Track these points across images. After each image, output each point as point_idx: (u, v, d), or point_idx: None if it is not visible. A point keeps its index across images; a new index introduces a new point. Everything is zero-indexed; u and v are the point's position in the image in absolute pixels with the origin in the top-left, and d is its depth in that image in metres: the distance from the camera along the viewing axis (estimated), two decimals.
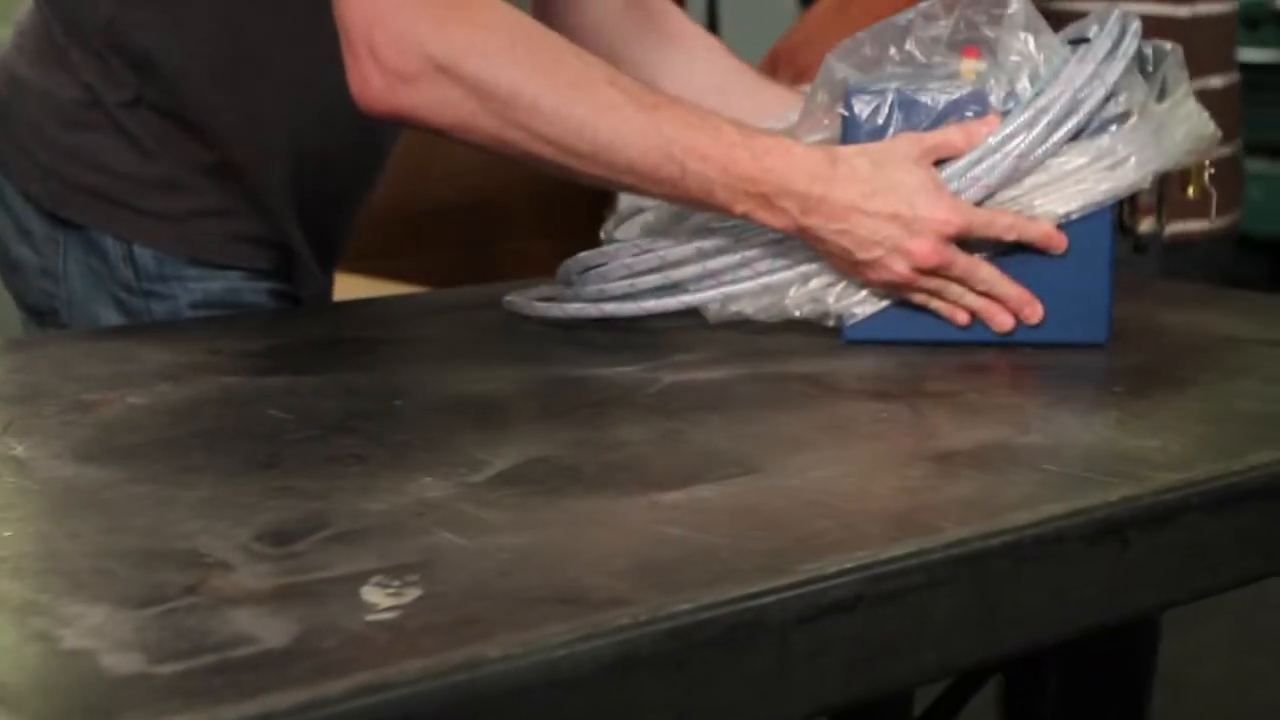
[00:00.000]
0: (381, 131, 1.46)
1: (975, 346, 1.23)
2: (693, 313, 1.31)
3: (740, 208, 1.19)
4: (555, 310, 1.30)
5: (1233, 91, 1.94)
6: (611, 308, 1.29)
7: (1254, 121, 6.42)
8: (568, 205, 2.21)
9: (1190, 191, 1.32)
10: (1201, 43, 1.85)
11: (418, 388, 1.14)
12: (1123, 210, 1.30)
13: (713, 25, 3.52)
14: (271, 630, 0.72)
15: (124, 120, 1.34)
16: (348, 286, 2.14)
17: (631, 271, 1.29)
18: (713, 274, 1.27)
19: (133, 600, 0.75)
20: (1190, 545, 0.93)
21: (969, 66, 1.28)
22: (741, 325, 1.32)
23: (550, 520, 0.87)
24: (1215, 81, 1.91)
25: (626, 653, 0.73)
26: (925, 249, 1.18)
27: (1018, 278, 1.24)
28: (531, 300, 1.33)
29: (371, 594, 0.76)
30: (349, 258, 2.05)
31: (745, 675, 0.76)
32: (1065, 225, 1.23)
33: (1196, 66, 1.84)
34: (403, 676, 0.68)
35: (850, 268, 1.21)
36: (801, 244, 1.22)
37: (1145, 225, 1.31)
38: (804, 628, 0.78)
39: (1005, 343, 1.24)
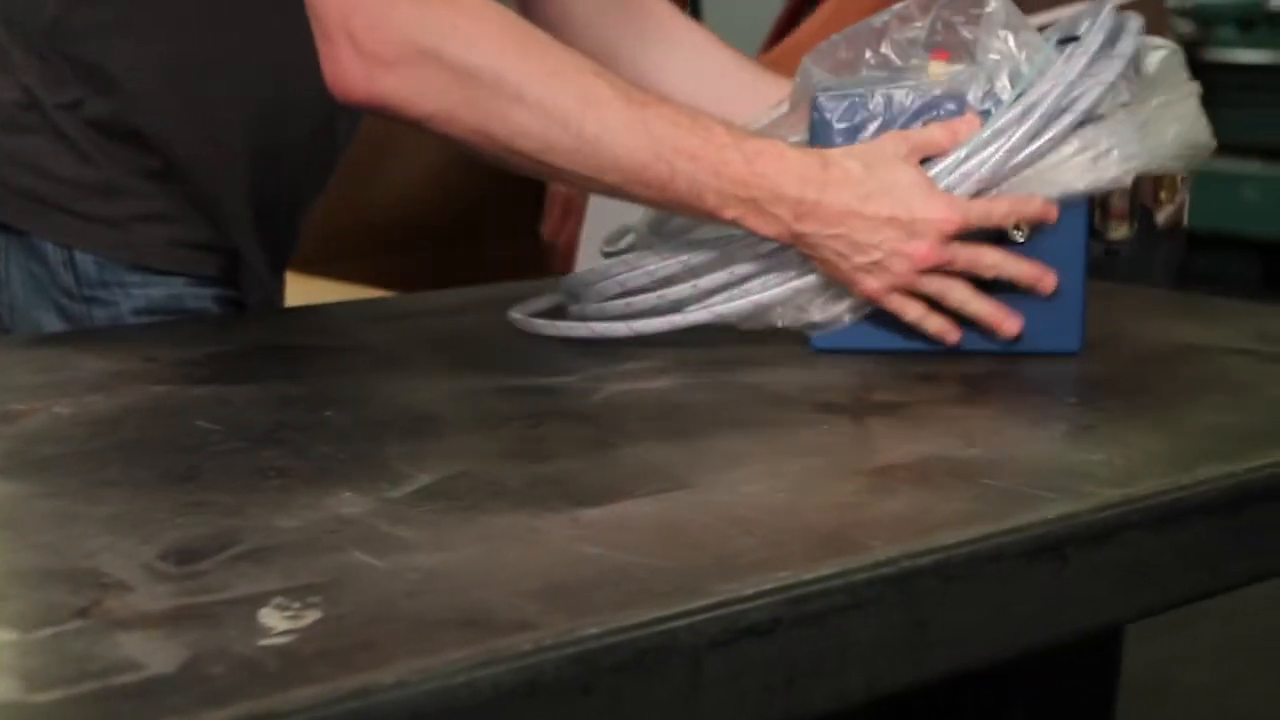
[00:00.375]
0: (335, 131, 1.43)
1: (938, 356, 1.21)
2: None
3: (730, 213, 1.16)
4: (549, 329, 1.27)
5: None
6: (601, 328, 1.25)
7: (1248, 123, 6.43)
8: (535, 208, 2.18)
9: (1162, 198, 1.29)
10: None
11: (352, 398, 1.11)
12: (1093, 215, 1.27)
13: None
14: (159, 656, 0.69)
15: (62, 123, 1.31)
16: (314, 290, 2.12)
17: (624, 289, 1.26)
18: (704, 293, 1.23)
19: (23, 623, 0.73)
20: (1132, 562, 0.90)
21: (938, 70, 1.25)
22: (696, 332, 1.29)
23: (466, 538, 0.84)
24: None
25: (529, 678, 0.70)
26: (924, 249, 1.15)
27: (987, 286, 1.21)
28: (530, 317, 1.29)
29: (269, 617, 0.73)
30: (315, 261, 2.03)
31: (655, 701, 0.73)
32: (1041, 232, 1.20)
33: None
34: (288, 705, 0.65)
35: (845, 275, 1.17)
36: (792, 257, 1.19)
37: (1118, 230, 1.28)
38: (718, 651, 0.75)
39: (974, 353, 1.21)
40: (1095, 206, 1.28)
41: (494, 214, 2.33)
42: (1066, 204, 1.21)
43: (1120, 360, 1.22)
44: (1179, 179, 1.29)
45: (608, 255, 1.33)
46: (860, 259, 1.15)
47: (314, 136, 1.41)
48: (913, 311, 1.18)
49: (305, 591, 0.76)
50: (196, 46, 1.33)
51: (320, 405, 1.08)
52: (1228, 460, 0.97)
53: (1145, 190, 1.28)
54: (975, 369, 1.19)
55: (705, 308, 1.23)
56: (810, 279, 1.19)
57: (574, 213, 2.07)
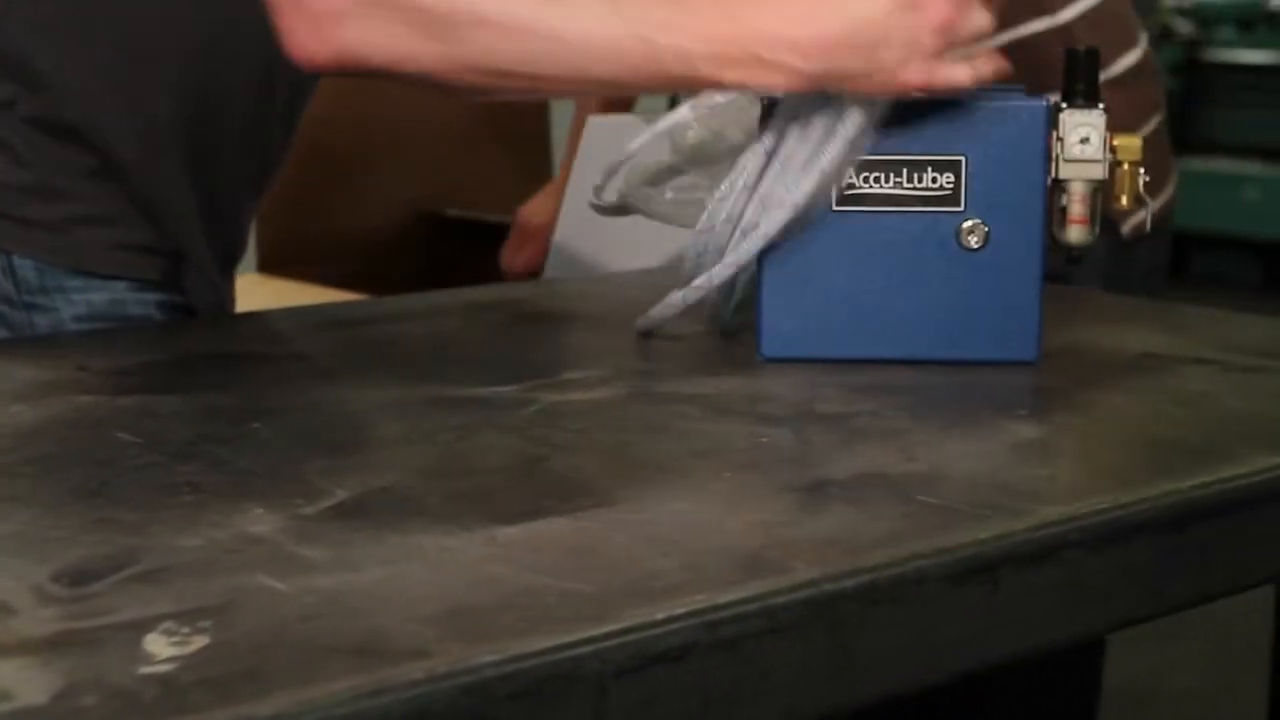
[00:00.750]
0: (270, 124, 1.41)
1: (890, 366, 1.18)
2: (594, 325, 1.25)
3: (732, 75, 1.08)
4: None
5: (1141, 70, 1.87)
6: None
7: (1248, 123, 6.38)
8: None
9: (1123, 200, 1.26)
10: (1100, 33, 1.79)
11: (282, 409, 1.08)
12: (1050, 221, 1.24)
13: None
14: (33, 685, 0.66)
15: None
16: (289, 293, 2.09)
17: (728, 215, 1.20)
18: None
19: None
20: (1070, 583, 0.87)
21: None
22: (644, 340, 1.26)
23: (373, 558, 0.81)
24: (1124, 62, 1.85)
25: (418, 709, 0.67)
26: (942, 8, 1.09)
27: (941, 292, 1.18)
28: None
29: (154, 643, 0.70)
30: (288, 264, 1.99)
31: None
32: (994, 239, 1.18)
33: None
34: None
35: (883, 85, 1.11)
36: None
37: (1076, 235, 1.25)
38: (626, 679, 0.72)
39: (929, 361, 1.18)
40: (1053, 213, 1.25)
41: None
42: (1020, 210, 1.19)
43: (1078, 370, 1.19)
44: (1139, 182, 1.25)
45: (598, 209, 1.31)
46: (888, 58, 1.09)
47: (251, 129, 1.38)
48: (964, 74, 1.12)
49: (196, 615, 0.73)
50: (130, 40, 1.30)
51: (248, 417, 1.05)
52: (1175, 476, 0.94)
53: (1106, 196, 1.25)
54: (926, 379, 1.16)
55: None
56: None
57: (532, 240, 2.04)
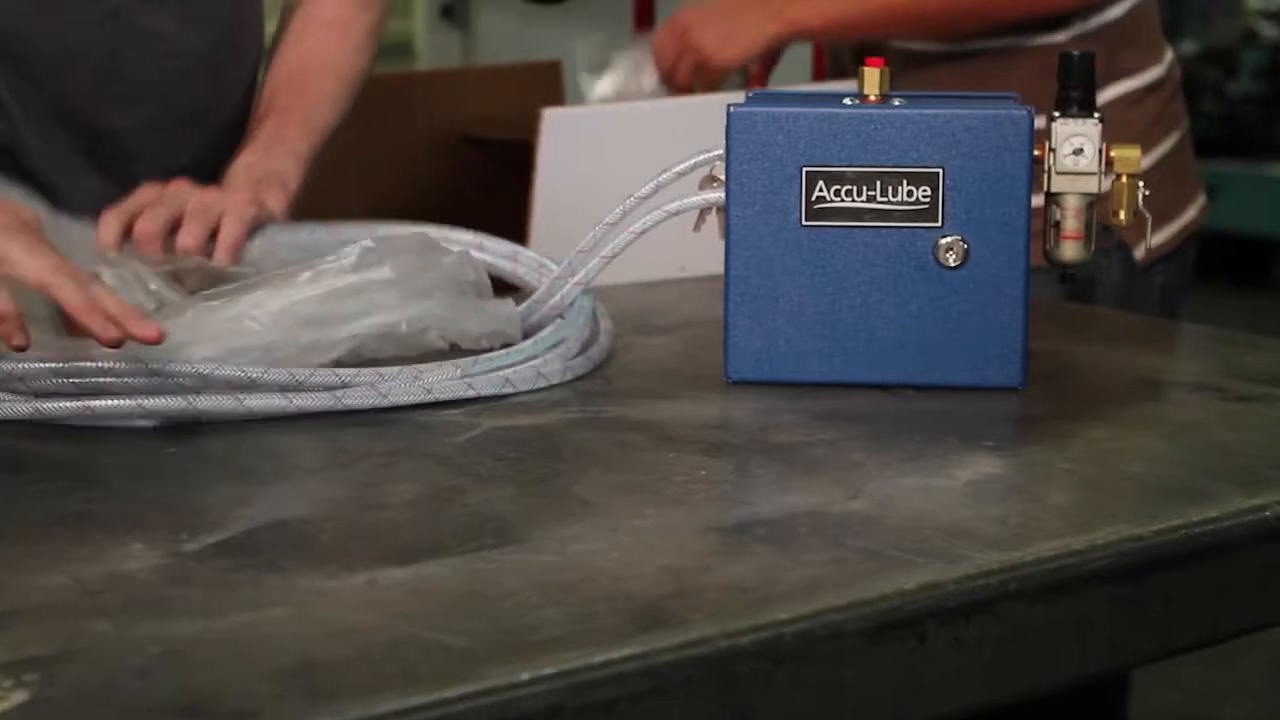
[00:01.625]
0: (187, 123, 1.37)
1: (865, 391, 1.11)
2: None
3: None
4: None
5: (1163, 85, 1.78)
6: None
7: None
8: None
9: (1121, 216, 1.18)
10: (1114, 50, 1.71)
11: (204, 430, 1.02)
12: (1047, 238, 1.17)
13: None
14: None
15: None
16: None
17: None
18: None
19: None
20: (1010, 638, 0.80)
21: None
22: (612, 357, 1.20)
23: (238, 602, 0.75)
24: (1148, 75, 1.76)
25: None
26: None
27: (918, 314, 1.11)
28: None
29: None
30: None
31: None
32: (974, 256, 1.10)
33: (1119, 70, 1.72)
34: None
35: None
36: None
37: (1071, 252, 1.17)
38: None
39: (910, 385, 1.11)
40: (1049, 228, 1.17)
41: None
42: (1002, 225, 1.11)
43: (1063, 397, 1.12)
44: (1139, 196, 1.18)
45: None
46: None
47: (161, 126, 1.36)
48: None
49: (26, 666, 0.67)
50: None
51: (166, 440, 1.00)
52: (1139, 520, 0.86)
53: (1103, 210, 1.17)
54: (898, 407, 1.09)
55: None
56: None
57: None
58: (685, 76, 1.71)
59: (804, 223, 1.12)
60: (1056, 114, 1.17)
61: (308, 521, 0.86)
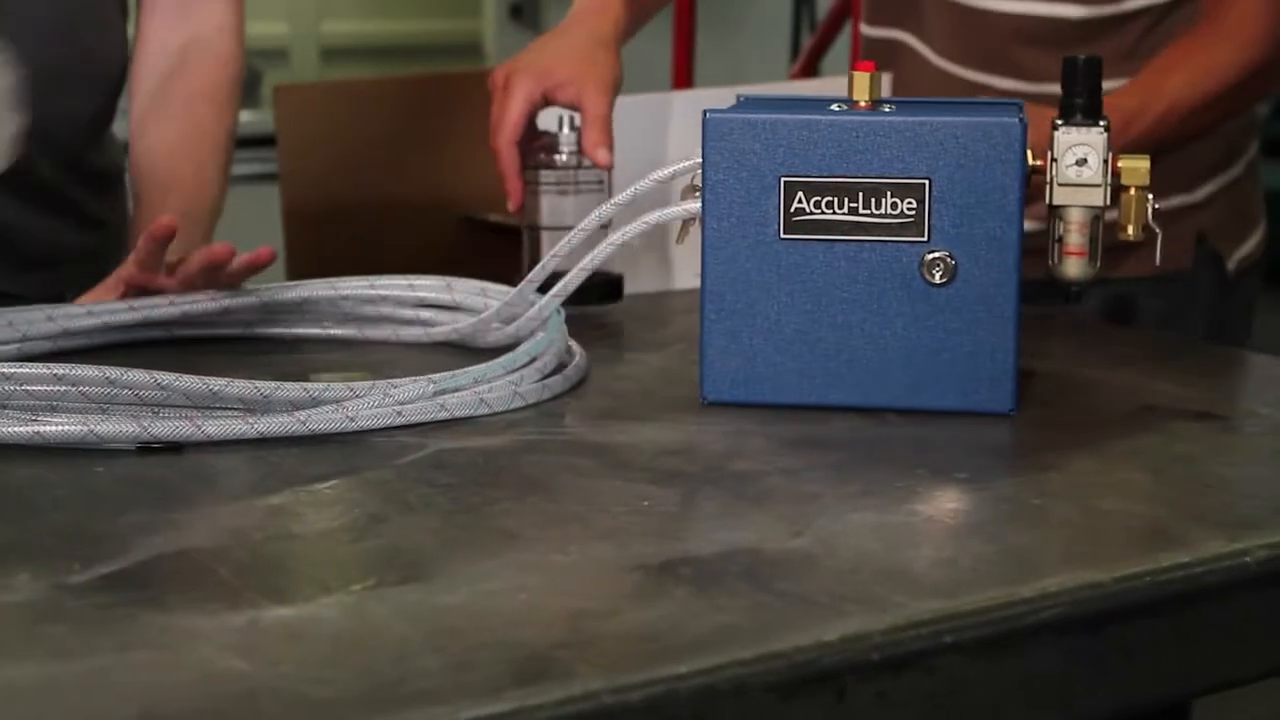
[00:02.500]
0: None
1: (846, 416, 1.05)
2: None
3: None
4: None
5: None
6: None
7: None
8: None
9: (1130, 232, 1.11)
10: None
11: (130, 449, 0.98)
12: (1050, 256, 1.10)
13: None
14: None
15: None
16: None
17: None
18: None
19: None
20: (944, 694, 0.73)
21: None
22: (592, 373, 1.15)
23: (105, 644, 0.70)
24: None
25: None
26: None
27: (903, 333, 1.05)
28: None
29: None
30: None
31: None
32: (962, 273, 1.04)
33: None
34: None
35: None
36: None
37: (1075, 269, 1.11)
38: None
39: (894, 409, 1.05)
40: (1052, 243, 1.11)
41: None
42: (992, 240, 1.05)
43: (1055, 424, 1.05)
44: (1148, 209, 1.10)
45: None
46: None
47: None
48: None
49: None
50: None
51: (98, 457, 0.95)
52: (1102, 564, 0.79)
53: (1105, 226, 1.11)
54: (875, 432, 1.02)
55: None
56: None
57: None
58: None
59: (782, 235, 1.06)
60: (1059, 121, 1.10)
61: (211, 552, 0.81)
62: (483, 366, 1.08)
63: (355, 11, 4.33)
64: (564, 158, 1.32)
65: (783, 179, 1.05)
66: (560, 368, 1.13)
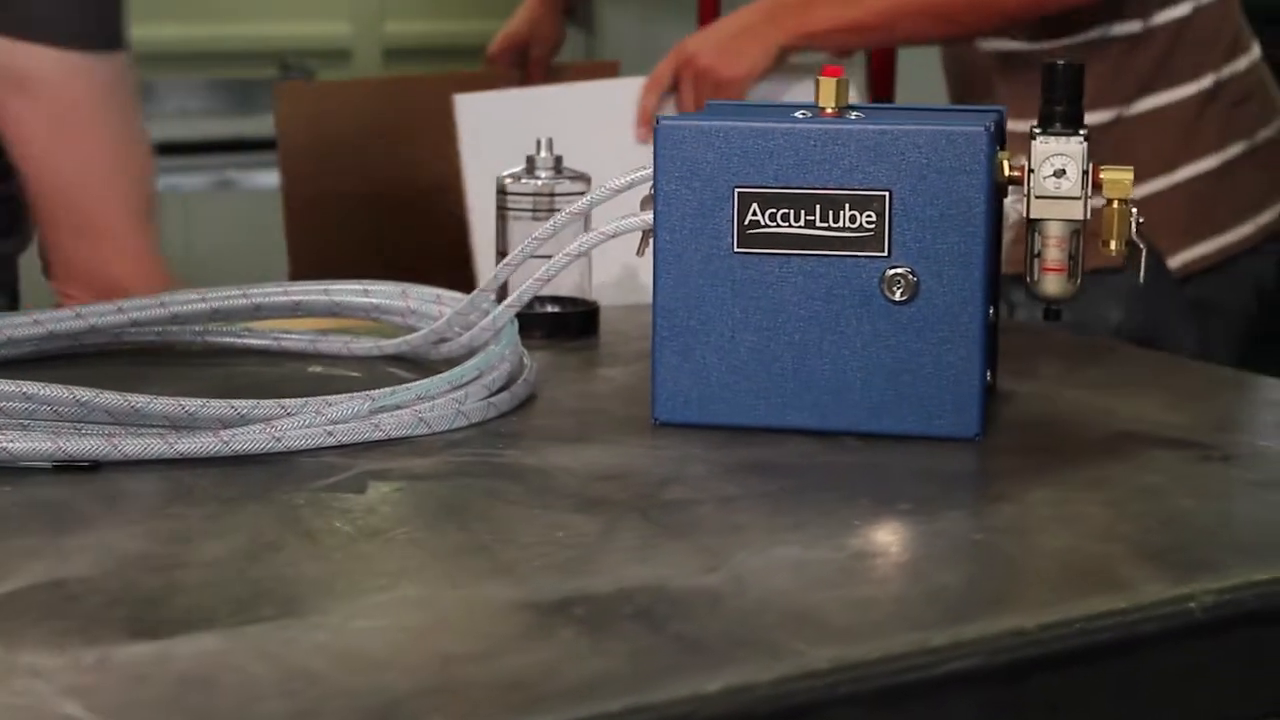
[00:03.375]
0: None
1: (801, 439, 1.00)
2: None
3: None
4: None
5: (1252, 74, 1.64)
6: None
7: None
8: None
9: (1112, 246, 1.05)
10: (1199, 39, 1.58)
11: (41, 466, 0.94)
12: (1028, 272, 1.04)
13: None
14: None
15: None
16: None
17: None
18: None
19: None
20: None
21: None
22: (546, 389, 1.10)
23: None
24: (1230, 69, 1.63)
25: None
26: None
27: (862, 354, 0.99)
28: None
29: None
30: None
31: None
32: (925, 291, 0.98)
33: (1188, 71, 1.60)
34: None
35: None
36: None
37: (1053, 286, 1.05)
38: None
39: (857, 433, 1.00)
40: (1030, 259, 1.05)
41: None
42: (957, 256, 0.99)
43: (1024, 451, 0.99)
44: (1131, 224, 1.04)
45: None
46: None
47: None
48: None
49: None
50: None
51: (10, 476, 0.92)
52: (1032, 608, 0.74)
53: (1088, 242, 1.05)
54: (830, 458, 0.97)
55: None
56: None
57: None
58: (692, 100, 1.61)
59: (736, 249, 1.01)
60: (1037, 130, 1.04)
61: (87, 582, 0.77)
62: (426, 382, 1.03)
63: (418, 11, 4.31)
64: (540, 182, 1.27)
65: (736, 189, 1.00)
66: (511, 383, 1.08)
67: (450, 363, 1.09)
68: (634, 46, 3.48)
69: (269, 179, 2.49)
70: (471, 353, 1.11)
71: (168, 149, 3.35)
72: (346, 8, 4.29)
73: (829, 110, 1.03)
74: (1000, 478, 0.94)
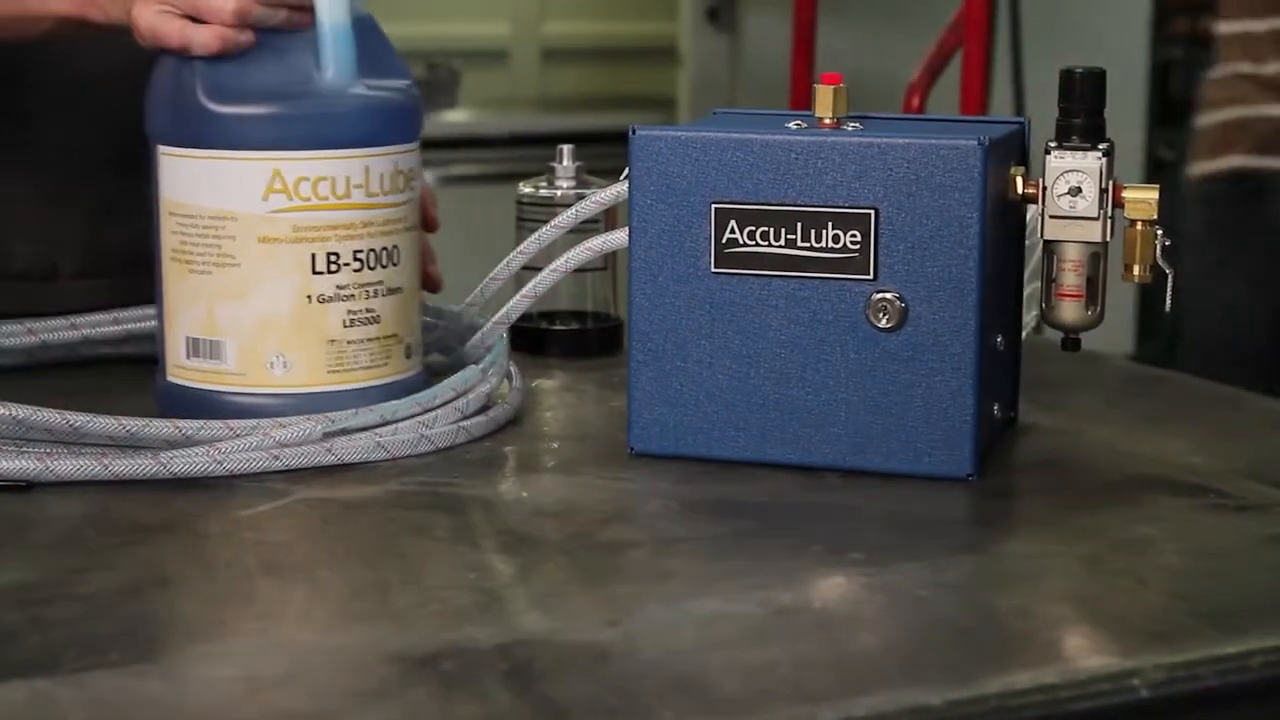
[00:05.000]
0: None
1: (782, 471, 0.93)
2: None
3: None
4: None
5: None
6: None
7: None
8: None
9: (1135, 273, 0.96)
10: None
11: None
12: (1043, 298, 0.96)
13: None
14: None
15: None
16: None
17: None
18: None
19: None
20: None
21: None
22: (540, 416, 1.05)
23: None
24: None
25: None
26: None
27: (847, 384, 0.92)
28: None
29: None
30: None
31: None
32: (913, 317, 0.91)
33: None
34: None
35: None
36: None
37: (1070, 314, 0.96)
38: None
39: (841, 469, 0.92)
40: (1046, 283, 0.97)
41: None
42: (949, 280, 0.91)
43: (1016, 495, 0.91)
44: (1156, 247, 0.96)
45: None
46: None
47: None
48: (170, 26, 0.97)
49: None
50: None
51: None
52: (943, 681, 0.66)
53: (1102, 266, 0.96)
54: (803, 497, 0.90)
55: None
56: None
57: None
58: None
59: (713, 269, 0.94)
60: (1051, 144, 0.96)
61: None
62: (392, 404, 0.98)
63: (578, 11, 4.28)
64: (561, 193, 1.21)
65: (714, 205, 0.93)
66: (491, 405, 1.02)
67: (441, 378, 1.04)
68: (778, 51, 3.39)
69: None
70: (460, 369, 1.05)
71: None
72: (507, 7, 4.28)
73: (827, 121, 0.96)
74: (979, 525, 0.87)
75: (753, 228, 0.93)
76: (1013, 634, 0.72)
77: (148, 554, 0.81)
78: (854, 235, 0.91)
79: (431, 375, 1.05)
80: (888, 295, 0.91)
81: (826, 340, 0.92)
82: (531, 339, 1.21)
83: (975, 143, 0.90)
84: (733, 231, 0.93)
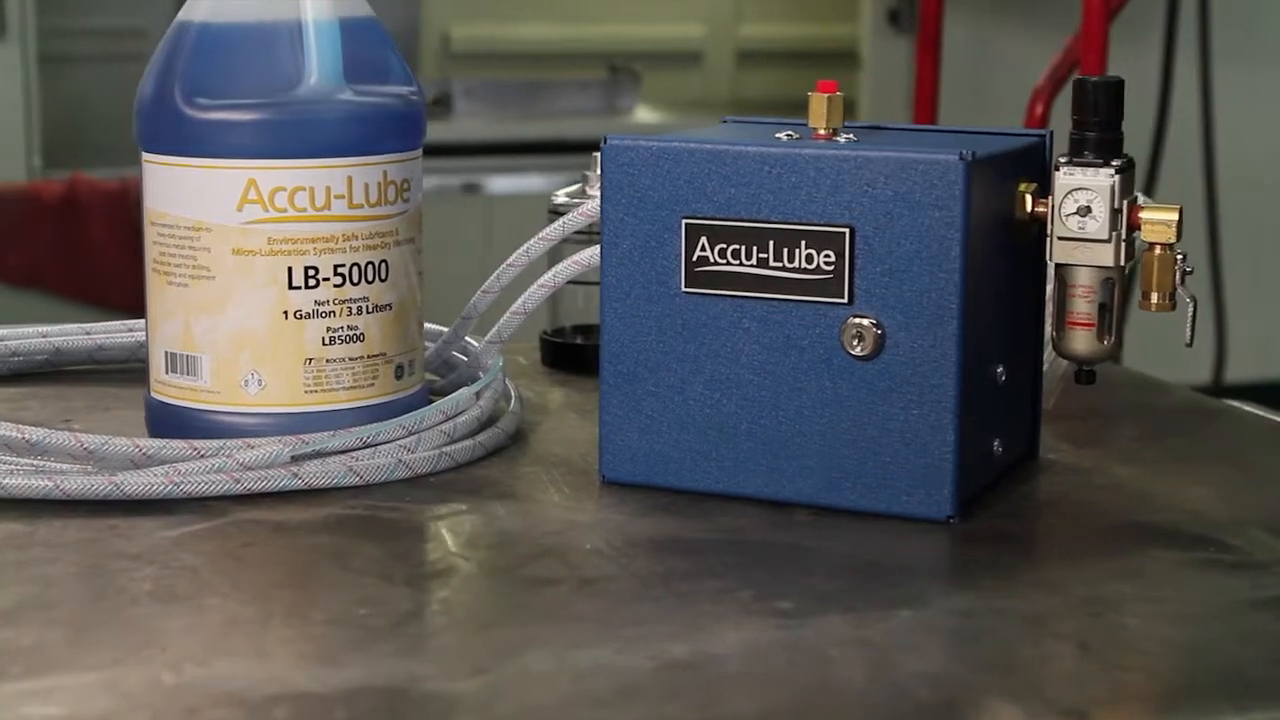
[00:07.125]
0: None
1: (753, 506, 0.87)
2: None
3: None
4: None
5: None
6: None
7: None
8: None
9: (1153, 301, 0.88)
10: None
11: None
12: (1059, 324, 0.89)
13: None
14: None
15: None
16: None
17: None
18: None
19: None
20: None
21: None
22: (525, 439, 1.00)
23: None
24: None
25: None
26: None
27: (820, 414, 0.85)
28: None
29: None
30: None
31: None
32: (891, 344, 0.84)
33: None
34: None
35: None
36: None
37: (1082, 344, 0.89)
38: None
39: (815, 506, 0.86)
40: (1056, 311, 0.89)
41: None
42: (929, 305, 0.84)
43: (995, 541, 0.83)
44: (1176, 274, 0.87)
45: None
46: None
47: None
48: None
49: None
50: None
51: None
52: None
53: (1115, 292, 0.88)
54: (764, 536, 0.83)
55: None
56: None
57: None
58: None
59: (684, 289, 0.88)
60: (1062, 159, 0.88)
61: None
62: (374, 426, 0.94)
63: (773, 14, 4.23)
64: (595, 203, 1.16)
65: (685, 220, 0.87)
66: (483, 428, 0.97)
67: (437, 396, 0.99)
68: (970, 57, 3.28)
69: None
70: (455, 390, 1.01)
71: (541, 148, 3.35)
72: (703, 9, 4.23)
73: (821, 132, 0.89)
74: (933, 574, 0.79)
75: (724, 245, 0.87)
76: (909, 705, 0.65)
77: (51, 574, 0.78)
78: (828, 255, 0.85)
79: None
80: (863, 320, 0.84)
81: (800, 367, 0.86)
82: (569, 355, 1.16)
83: (956, 157, 0.83)
84: (704, 249, 0.87)
